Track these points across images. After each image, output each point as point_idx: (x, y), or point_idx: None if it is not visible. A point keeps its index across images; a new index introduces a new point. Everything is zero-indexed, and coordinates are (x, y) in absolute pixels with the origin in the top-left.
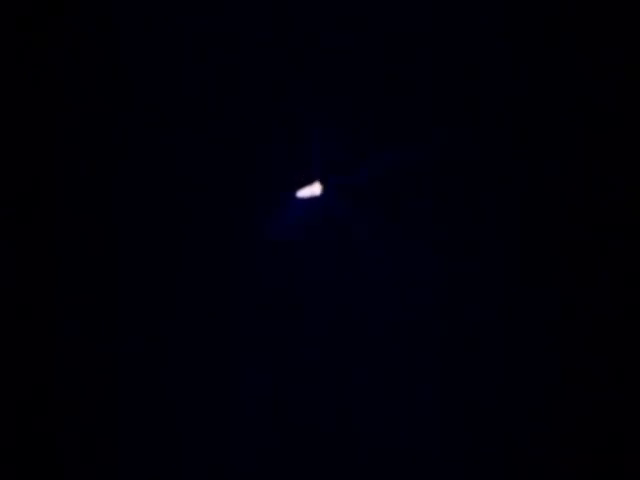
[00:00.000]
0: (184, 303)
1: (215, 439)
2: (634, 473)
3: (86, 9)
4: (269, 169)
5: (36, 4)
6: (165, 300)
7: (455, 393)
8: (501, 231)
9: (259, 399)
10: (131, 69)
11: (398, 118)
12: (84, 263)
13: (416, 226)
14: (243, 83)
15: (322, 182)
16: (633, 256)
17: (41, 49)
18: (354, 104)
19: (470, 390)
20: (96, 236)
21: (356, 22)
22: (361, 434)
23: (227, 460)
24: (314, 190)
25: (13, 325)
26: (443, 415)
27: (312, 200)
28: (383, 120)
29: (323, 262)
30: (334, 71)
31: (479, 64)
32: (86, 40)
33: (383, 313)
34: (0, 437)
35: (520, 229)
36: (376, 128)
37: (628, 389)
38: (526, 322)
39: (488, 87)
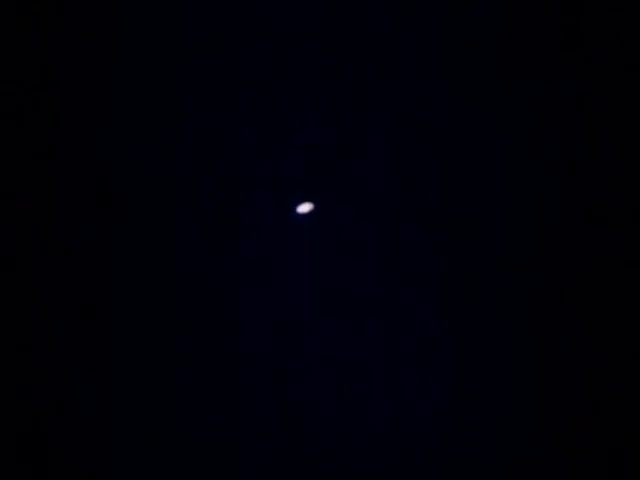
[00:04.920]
0: (181, 310)
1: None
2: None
3: (86, 9)
4: (268, 177)
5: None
6: (164, 303)
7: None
8: (502, 230)
9: (260, 401)
10: (131, 69)
11: (396, 122)
12: (83, 263)
13: (416, 230)
14: (243, 89)
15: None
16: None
17: (41, 47)
18: (350, 108)
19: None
20: (95, 235)
21: (354, 23)
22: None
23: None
24: (312, 206)
25: (13, 324)
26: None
27: (312, 213)
28: (382, 124)
29: (324, 268)
30: (332, 77)
31: (477, 64)
32: (86, 40)
33: (383, 322)
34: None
35: (522, 232)
36: (375, 133)
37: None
38: (529, 327)
39: (485, 91)
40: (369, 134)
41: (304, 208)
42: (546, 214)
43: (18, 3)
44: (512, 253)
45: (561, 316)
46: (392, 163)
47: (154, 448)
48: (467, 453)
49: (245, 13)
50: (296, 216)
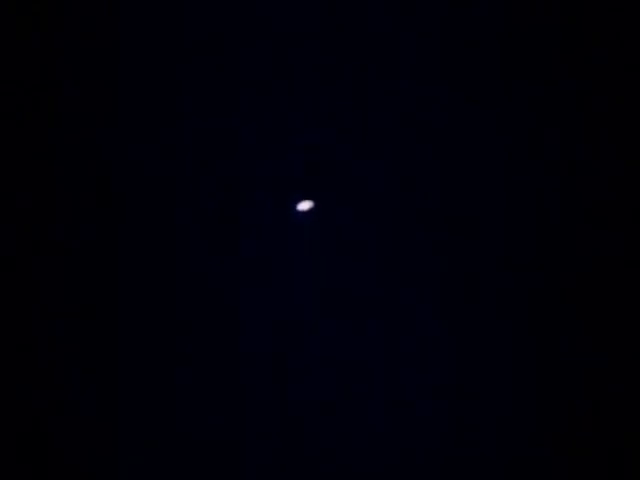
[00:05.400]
0: (180, 312)
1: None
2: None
3: (86, 9)
4: (267, 178)
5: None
6: (164, 303)
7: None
8: (502, 230)
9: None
10: (131, 69)
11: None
12: (83, 263)
13: (414, 231)
14: (243, 89)
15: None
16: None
17: (41, 47)
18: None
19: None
20: (95, 235)
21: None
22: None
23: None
24: (312, 203)
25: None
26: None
27: (312, 212)
28: (380, 126)
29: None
30: (332, 77)
31: (476, 66)
32: (86, 40)
33: (381, 321)
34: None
35: (522, 232)
36: (373, 135)
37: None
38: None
39: (485, 91)
40: (369, 134)
41: (304, 207)
42: (546, 214)
43: (18, 3)
44: (512, 253)
45: (561, 316)
46: (392, 163)
47: (154, 448)
48: (467, 453)
49: (245, 13)
50: (296, 215)
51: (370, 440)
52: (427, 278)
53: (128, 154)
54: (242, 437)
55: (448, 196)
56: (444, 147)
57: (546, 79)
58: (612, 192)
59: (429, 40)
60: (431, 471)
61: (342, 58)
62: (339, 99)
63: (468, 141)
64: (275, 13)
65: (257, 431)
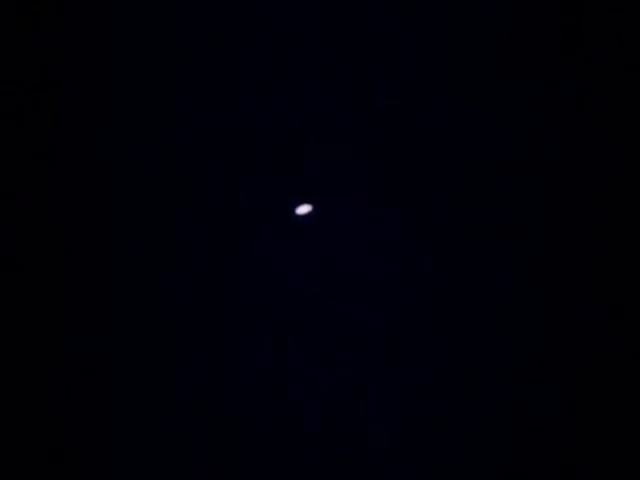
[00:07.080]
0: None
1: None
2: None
3: (86, 9)
4: (267, 181)
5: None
6: (164, 304)
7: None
8: (502, 230)
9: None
10: (131, 69)
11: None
12: (83, 263)
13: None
14: (243, 89)
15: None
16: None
17: (41, 47)
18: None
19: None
20: (95, 235)
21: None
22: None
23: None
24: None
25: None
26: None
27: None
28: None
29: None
30: (332, 77)
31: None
32: (86, 40)
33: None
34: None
35: (522, 232)
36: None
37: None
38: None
39: (485, 91)
40: (369, 134)
41: (304, 209)
42: (546, 214)
43: (18, 3)
44: (512, 253)
45: (561, 316)
46: (392, 163)
47: (154, 447)
48: (467, 453)
49: (245, 13)
50: (296, 216)
51: (369, 440)
52: (427, 277)
53: (128, 154)
54: (242, 437)
55: (448, 196)
56: (444, 147)
57: (546, 79)
58: (612, 192)
59: (429, 40)
60: (431, 470)
61: (342, 58)
62: (339, 99)
63: (468, 141)
64: (275, 13)
65: (256, 431)
